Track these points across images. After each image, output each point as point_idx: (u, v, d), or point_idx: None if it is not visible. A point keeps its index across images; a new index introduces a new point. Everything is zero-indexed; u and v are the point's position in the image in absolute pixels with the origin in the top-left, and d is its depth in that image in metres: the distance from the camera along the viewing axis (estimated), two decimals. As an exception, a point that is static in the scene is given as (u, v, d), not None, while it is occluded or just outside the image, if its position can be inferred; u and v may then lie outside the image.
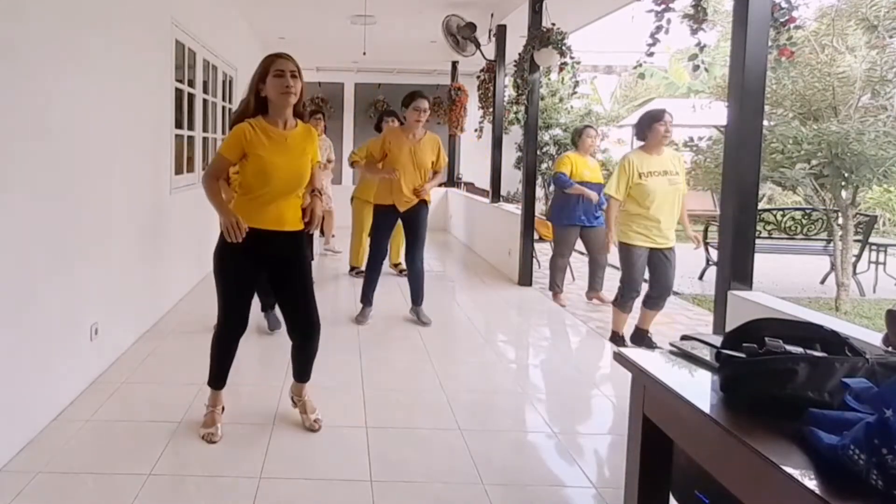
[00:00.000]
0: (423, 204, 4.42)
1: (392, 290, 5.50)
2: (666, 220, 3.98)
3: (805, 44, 5.85)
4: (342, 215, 7.15)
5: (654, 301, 4.16)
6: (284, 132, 2.59)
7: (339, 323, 4.61)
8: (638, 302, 4.26)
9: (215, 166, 2.72)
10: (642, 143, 4.15)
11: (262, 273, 2.70)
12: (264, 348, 3.91)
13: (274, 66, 2.51)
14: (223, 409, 2.82)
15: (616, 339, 4.30)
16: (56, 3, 2.80)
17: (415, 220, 4.41)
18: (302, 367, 2.84)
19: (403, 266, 5.75)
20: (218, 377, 2.80)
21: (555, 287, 5.56)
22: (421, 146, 4.36)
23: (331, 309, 4.91)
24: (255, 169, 2.56)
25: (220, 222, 2.64)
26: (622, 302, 4.19)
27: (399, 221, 4.47)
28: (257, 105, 2.59)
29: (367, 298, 4.55)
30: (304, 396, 2.86)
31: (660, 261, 4.03)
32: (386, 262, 5.06)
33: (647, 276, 4.16)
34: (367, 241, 5.52)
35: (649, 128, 4.00)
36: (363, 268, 5.60)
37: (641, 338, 4.26)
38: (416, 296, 4.54)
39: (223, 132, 6.72)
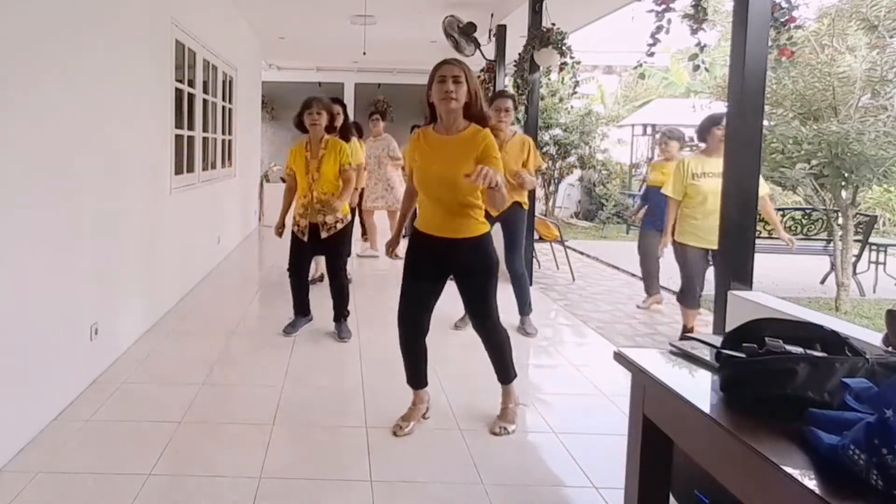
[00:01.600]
0: (518, 206, 4.19)
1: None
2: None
3: (805, 44, 5.84)
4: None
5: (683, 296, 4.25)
6: (448, 137, 2.61)
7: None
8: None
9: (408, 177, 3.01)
10: (703, 146, 4.24)
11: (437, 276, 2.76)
12: (265, 349, 3.90)
13: (437, 73, 2.56)
14: (427, 409, 2.89)
15: (685, 332, 4.33)
16: (56, 3, 2.79)
17: (509, 223, 4.23)
18: (493, 365, 2.87)
19: None
20: (412, 375, 2.86)
21: (649, 289, 5.49)
22: (508, 149, 4.09)
23: (329, 309, 4.90)
24: (416, 175, 2.73)
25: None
26: (682, 298, 4.28)
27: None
28: (432, 113, 2.67)
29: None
30: (508, 404, 2.88)
31: (709, 261, 4.08)
32: None
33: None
34: None
35: (708, 131, 4.08)
36: None
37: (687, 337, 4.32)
38: (521, 305, 4.38)
39: (223, 132, 6.72)
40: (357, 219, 6.58)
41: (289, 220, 4.13)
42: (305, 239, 3.98)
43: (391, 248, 3.00)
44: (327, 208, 3.87)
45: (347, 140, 4.62)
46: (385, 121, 7.73)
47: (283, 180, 4.97)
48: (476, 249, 2.64)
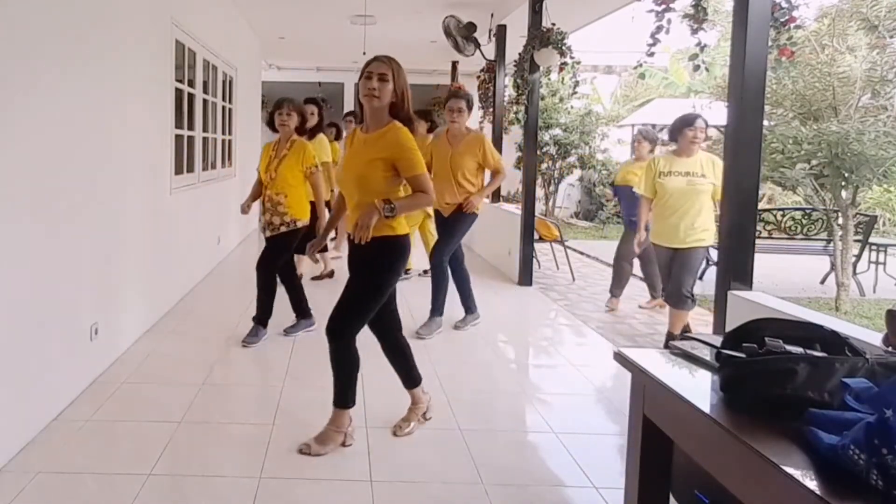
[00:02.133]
0: (460, 209, 4.24)
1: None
2: (688, 220, 3.96)
3: (805, 44, 5.84)
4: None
5: (667, 297, 4.23)
6: (364, 135, 2.57)
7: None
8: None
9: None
10: (672, 146, 4.26)
11: None
12: (265, 349, 3.90)
13: (365, 69, 2.52)
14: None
15: (684, 332, 4.32)
16: (55, 3, 2.79)
17: (450, 220, 4.28)
18: (395, 370, 2.80)
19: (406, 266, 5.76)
20: (354, 394, 2.68)
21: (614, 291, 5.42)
22: (460, 149, 4.19)
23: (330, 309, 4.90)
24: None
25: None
26: (666, 298, 4.30)
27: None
28: (362, 109, 2.60)
29: (470, 307, 4.47)
30: (417, 402, 2.81)
31: (677, 259, 4.02)
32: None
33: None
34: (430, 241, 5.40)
35: (680, 132, 4.09)
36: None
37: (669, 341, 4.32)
38: (434, 299, 4.33)
39: (223, 132, 6.72)
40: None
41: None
42: (266, 235, 3.98)
43: (312, 249, 2.90)
44: (276, 209, 3.87)
45: (312, 138, 4.64)
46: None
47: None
48: (374, 249, 2.47)
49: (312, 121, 4.85)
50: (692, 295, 4.03)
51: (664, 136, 5.53)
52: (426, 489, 2.32)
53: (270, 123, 4.01)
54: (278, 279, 4.05)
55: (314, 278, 5.76)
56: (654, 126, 12.06)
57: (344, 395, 2.61)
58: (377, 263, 2.52)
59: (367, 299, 2.54)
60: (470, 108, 4.24)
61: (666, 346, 4.23)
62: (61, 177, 2.85)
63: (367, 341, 4.11)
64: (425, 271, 5.95)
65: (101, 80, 3.28)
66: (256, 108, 9.46)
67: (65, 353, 2.92)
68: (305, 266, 5.53)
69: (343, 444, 2.59)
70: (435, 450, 2.63)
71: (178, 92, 4.86)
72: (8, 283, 2.42)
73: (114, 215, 3.50)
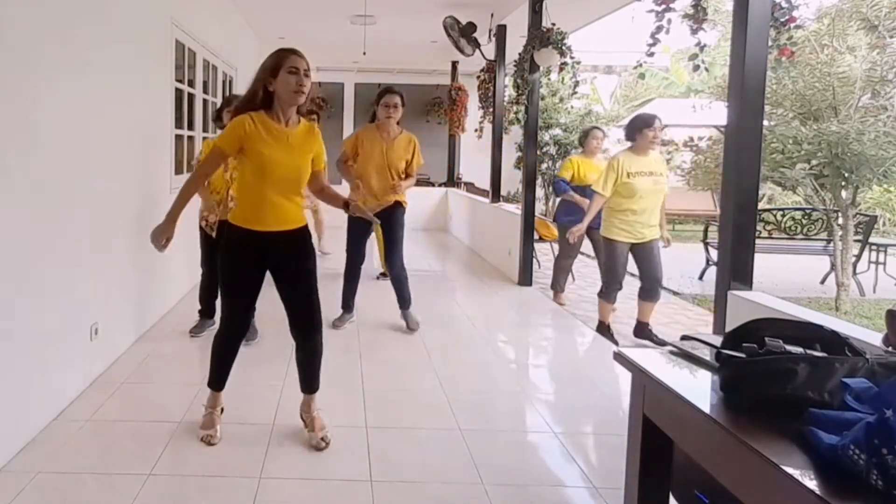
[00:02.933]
0: (399, 205, 4.22)
1: (390, 291, 5.49)
2: (649, 217, 4.20)
3: (805, 44, 5.84)
4: (335, 217, 7.15)
5: (648, 292, 4.32)
6: (286, 129, 2.52)
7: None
8: (622, 295, 4.43)
9: (210, 159, 2.57)
10: (630, 144, 4.32)
11: (263, 273, 2.65)
12: (264, 349, 3.90)
13: (288, 63, 2.43)
14: (222, 410, 2.79)
15: (602, 328, 4.47)
16: (55, 3, 2.80)
17: (389, 223, 4.16)
18: (305, 373, 2.74)
19: (382, 271, 5.70)
20: (219, 378, 2.76)
21: (556, 286, 5.53)
22: (394, 146, 4.17)
23: (330, 310, 4.90)
24: (253, 165, 2.47)
25: (165, 220, 2.51)
26: (606, 293, 4.40)
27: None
28: (264, 99, 2.50)
29: (347, 305, 4.45)
30: (313, 412, 2.72)
31: (644, 253, 4.25)
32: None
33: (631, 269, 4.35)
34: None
35: (639, 132, 4.19)
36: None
37: (642, 330, 4.40)
38: (402, 300, 4.35)
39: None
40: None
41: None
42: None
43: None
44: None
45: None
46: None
47: None
48: (308, 239, 2.68)
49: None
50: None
51: (663, 135, 5.52)
52: (426, 489, 2.32)
53: (218, 119, 3.99)
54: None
55: None
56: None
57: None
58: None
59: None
60: (403, 104, 4.21)
61: (602, 333, 4.44)
62: (61, 176, 2.85)
63: (367, 341, 4.12)
64: (383, 274, 5.87)
65: (100, 80, 3.28)
66: (256, 108, 9.44)
67: (65, 353, 2.92)
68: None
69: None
70: (435, 450, 2.63)
71: (178, 92, 4.86)
72: (8, 283, 2.42)
73: (114, 215, 3.50)
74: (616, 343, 4.32)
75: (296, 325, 2.68)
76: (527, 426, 2.99)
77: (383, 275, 5.85)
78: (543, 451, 2.71)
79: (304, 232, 2.64)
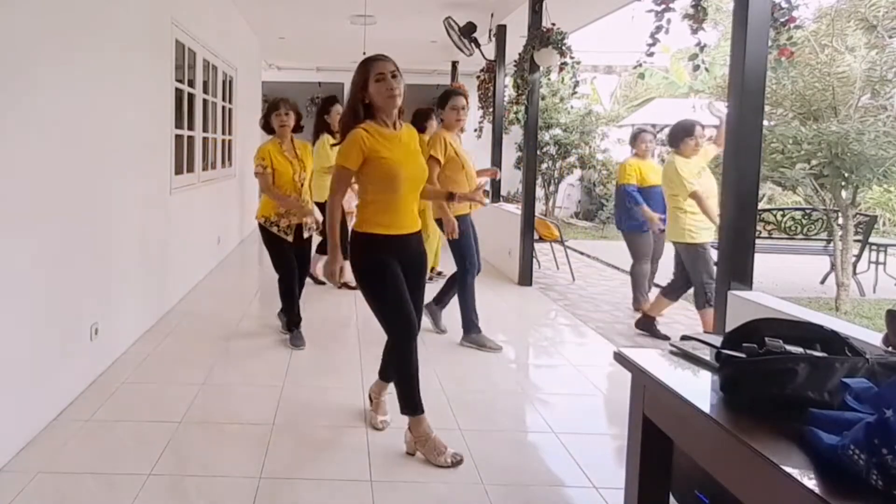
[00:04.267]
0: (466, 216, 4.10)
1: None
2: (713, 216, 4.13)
3: (805, 44, 5.84)
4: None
5: (677, 293, 4.35)
6: (396, 132, 2.55)
7: (338, 323, 4.61)
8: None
9: (338, 181, 2.53)
10: (675, 150, 4.32)
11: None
12: (265, 349, 3.90)
13: (374, 71, 2.46)
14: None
15: (648, 323, 4.47)
16: (55, 4, 2.79)
17: (473, 227, 4.11)
18: (388, 365, 2.82)
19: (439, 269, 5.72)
20: (415, 396, 2.58)
21: (639, 299, 5.10)
22: (463, 148, 4.13)
23: (330, 309, 4.91)
24: (381, 173, 2.47)
25: (328, 253, 2.56)
26: (674, 293, 4.37)
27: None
28: (366, 112, 2.52)
29: (472, 324, 4.05)
30: (382, 396, 2.87)
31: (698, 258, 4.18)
32: None
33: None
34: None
35: (682, 140, 4.25)
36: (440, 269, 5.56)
37: (649, 324, 4.47)
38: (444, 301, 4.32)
39: (223, 132, 6.72)
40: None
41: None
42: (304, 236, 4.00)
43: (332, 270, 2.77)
44: (304, 209, 3.94)
45: (316, 138, 5.01)
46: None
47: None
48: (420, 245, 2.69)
49: (336, 120, 4.82)
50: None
51: (663, 135, 5.53)
52: (426, 489, 2.32)
53: (266, 126, 3.92)
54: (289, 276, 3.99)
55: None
56: (653, 126, 12.07)
57: (406, 400, 2.59)
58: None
59: (366, 296, 2.63)
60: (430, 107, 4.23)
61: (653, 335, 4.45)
62: (61, 177, 2.85)
63: (367, 341, 4.11)
64: (439, 273, 5.81)
65: (100, 80, 3.28)
66: (256, 108, 9.46)
67: (65, 353, 2.92)
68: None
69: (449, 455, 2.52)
70: (435, 450, 2.63)
71: (178, 92, 4.86)
72: (8, 283, 2.42)
73: (114, 215, 3.50)
74: (667, 338, 4.16)
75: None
76: (527, 426, 2.99)
77: (439, 274, 5.77)
78: (543, 451, 2.71)
79: (421, 233, 2.70)
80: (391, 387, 2.78)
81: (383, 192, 2.50)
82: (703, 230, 4.13)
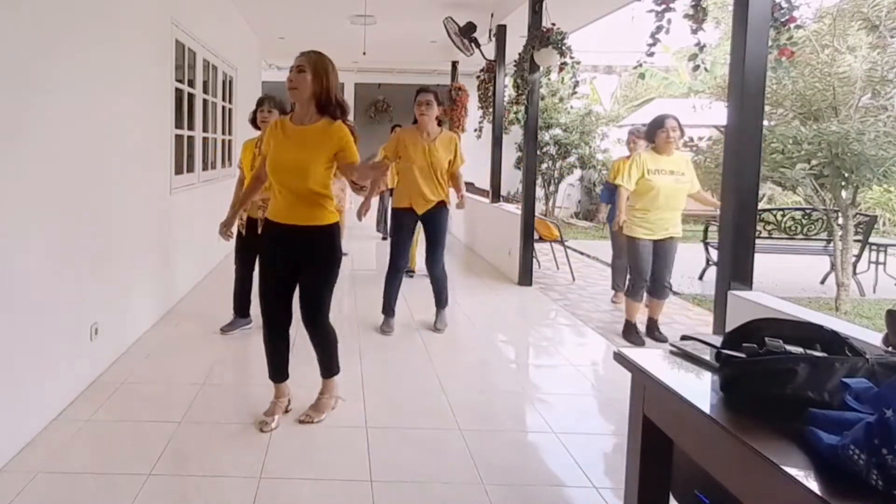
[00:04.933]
0: (443, 205, 4.27)
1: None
2: (671, 216, 4.28)
3: (805, 44, 5.83)
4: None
5: (651, 290, 4.41)
6: (306, 126, 2.68)
7: (338, 323, 4.60)
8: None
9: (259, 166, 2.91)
10: (652, 146, 4.41)
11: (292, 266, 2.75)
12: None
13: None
14: (289, 401, 2.92)
15: (628, 329, 4.48)
16: (55, 3, 2.79)
17: (434, 222, 4.26)
18: (318, 359, 2.93)
19: (409, 267, 5.72)
20: (273, 371, 2.90)
21: (615, 290, 5.60)
22: (436, 145, 4.19)
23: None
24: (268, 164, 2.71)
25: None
26: (633, 292, 4.43)
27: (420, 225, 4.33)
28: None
29: (389, 309, 4.32)
30: (323, 395, 2.93)
31: (660, 251, 4.32)
32: None
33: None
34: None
35: (654, 133, 4.34)
36: (414, 269, 5.62)
37: (650, 328, 4.50)
38: (439, 300, 4.42)
39: (224, 132, 6.72)
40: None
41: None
42: None
43: (225, 227, 3.16)
44: None
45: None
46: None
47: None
48: (321, 239, 2.71)
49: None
50: (670, 284, 4.47)
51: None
52: (426, 489, 2.32)
53: (254, 121, 4.07)
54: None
55: None
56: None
57: (332, 367, 2.93)
58: (331, 247, 2.76)
59: (327, 282, 2.80)
60: (439, 102, 4.24)
61: (628, 332, 4.47)
62: (61, 177, 2.85)
63: (367, 341, 4.12)
64: (410, 271, 5.89)
65: (100, 80, 3.28)
66: (256, 108, 9.46)
67: (65, 353, 2.92)
68: None
69: (332, 408, 2.90)
70: (435, 450, 2.63)
71: (178, 92, 4.86)
72: (8, 283, 2.42)
73: (114, 215, 3.50)
74: (643, 344, 4.32)
75: (304, 321, 2.86)
76: (527, 426, 2.99)
77: (410, 272, 5.89)
78: (543, 451, 2.71)
79: (316, 230, 2.80)
80: (332, 385, 2.96)
81: (271, 180, 2.74)
82: (638, 228, 4.30)
